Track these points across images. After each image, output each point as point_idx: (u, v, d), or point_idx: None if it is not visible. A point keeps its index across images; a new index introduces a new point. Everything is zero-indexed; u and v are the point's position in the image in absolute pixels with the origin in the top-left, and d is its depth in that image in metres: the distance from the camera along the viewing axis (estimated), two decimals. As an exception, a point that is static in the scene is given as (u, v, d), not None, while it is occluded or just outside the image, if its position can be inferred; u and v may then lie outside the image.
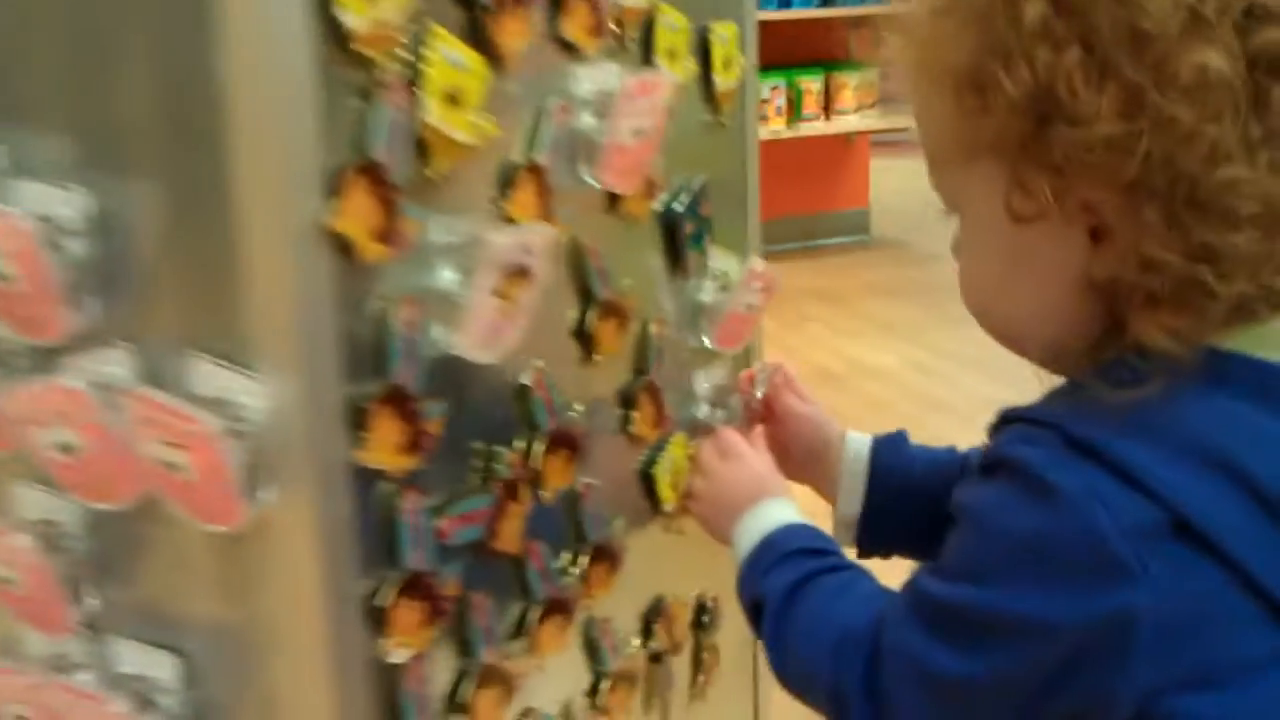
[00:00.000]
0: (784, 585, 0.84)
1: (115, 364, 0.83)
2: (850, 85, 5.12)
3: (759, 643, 1.45)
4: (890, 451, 1.03)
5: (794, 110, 5.08)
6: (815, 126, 5.10)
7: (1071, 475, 0.64)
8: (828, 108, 5.14)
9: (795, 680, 0.83)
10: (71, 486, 0.85)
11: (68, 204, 0.82)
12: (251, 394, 0.79)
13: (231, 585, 0.87)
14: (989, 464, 0.70)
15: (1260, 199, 0.62)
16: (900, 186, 6.36)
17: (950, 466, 1.00)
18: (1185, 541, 0.63)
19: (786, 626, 0.83)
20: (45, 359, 0.86)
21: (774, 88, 5.01)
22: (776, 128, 5.03)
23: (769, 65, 5.01)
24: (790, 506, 0.94)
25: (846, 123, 5.17)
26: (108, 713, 0.86)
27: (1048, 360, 0.73)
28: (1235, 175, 0.62)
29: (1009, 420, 0.71)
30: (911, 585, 0.74)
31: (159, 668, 0.90)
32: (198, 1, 0.76)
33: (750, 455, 1.01)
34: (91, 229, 0.82)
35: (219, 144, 0.77)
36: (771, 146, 5.08)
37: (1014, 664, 0.67)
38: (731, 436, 1.03)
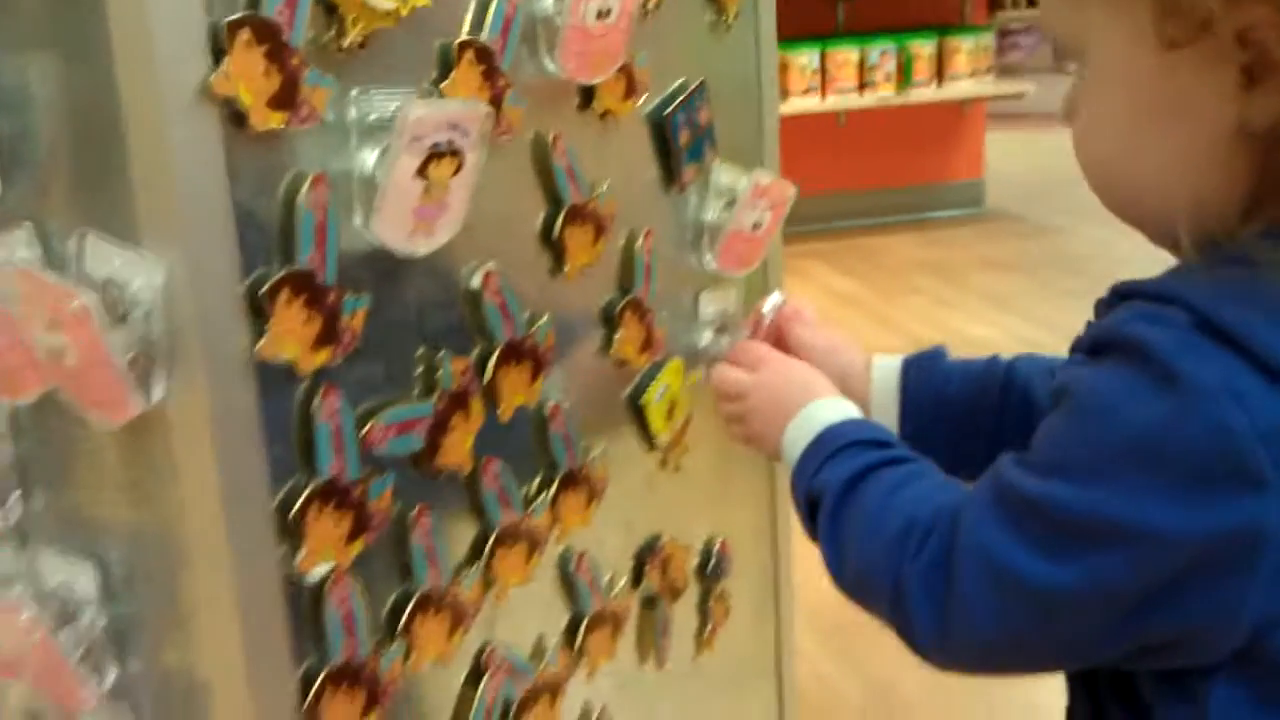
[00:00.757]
0: (841, 478, 0.75)
1: (21, 246, 0.78)
2: (964, 50, 4.93)
3: (781, 590, 1.37)
4: (922, 371, 0.93)
5: (904, 76, 4.90)
6: (926, 93, 4.92)
7: (1205, 364, 0.55)
8: (940, 73, 4.95)
9: (853, 583, 0.73)
10: (-32, 380, 0.80)
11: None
12: (141, 275, 0.73)
13: (138, 488, 0.81)
14: (1100, 343, 0.60)
15: None
16: (1017, 158, 6.14)
17: (990, 378, 0.90)
18: None
19: (843, 521, 0.73)
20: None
21: (883, 52, 4.85)
22: (885, 94, 4.87)
23: (878, 29, 4.86)
24: (843, 403, 0.85)
25: (960, 89, 4.97)
26: (19, 626, 0.81)
27: (1174, 237, 0.63)
28: None
29: (1126, 295, 0.62)
30: (995, 475, 0.65)
31: (81, 578, 0.85)
32: None
33: (783, 359, 0.93)
34: (-13, 104, 0.77)
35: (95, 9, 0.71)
36: (880, 114, 4.93)
37: (1113, 576, 0.58)
38: (756, 347, 0.96)
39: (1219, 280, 0.58)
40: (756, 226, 1.17)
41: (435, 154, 0.81)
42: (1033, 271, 4.60)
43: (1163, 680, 0.63)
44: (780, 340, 1.01)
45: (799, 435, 0.82)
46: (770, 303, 1.04)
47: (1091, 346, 0.62)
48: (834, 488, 0.75)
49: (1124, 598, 0.59)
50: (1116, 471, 0.58)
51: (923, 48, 4.90)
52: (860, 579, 0.72)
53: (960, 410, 0.90)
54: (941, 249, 4.94)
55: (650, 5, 1.04)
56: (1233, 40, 0.56)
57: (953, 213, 5.32)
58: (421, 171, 0.81)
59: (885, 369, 0.94)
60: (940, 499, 0.68)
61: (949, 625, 0.64)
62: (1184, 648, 0.60)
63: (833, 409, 0.83)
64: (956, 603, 0.64)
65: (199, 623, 0.81)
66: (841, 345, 0.98)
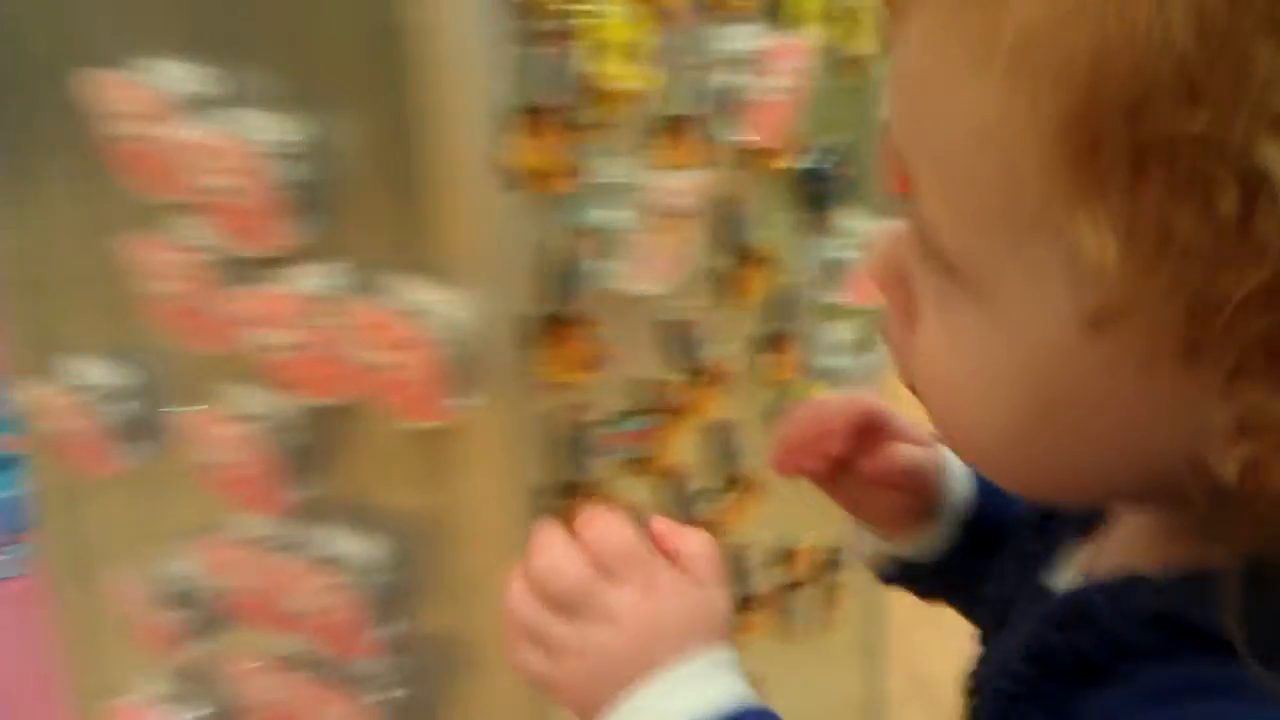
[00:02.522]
0: None
1: (326, 276, 0.95)
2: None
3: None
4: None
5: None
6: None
7: None
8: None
9: None
10: (288, 384, 0.97)
11: (283, 130, 0.94)
12: (450, 308, 0.90)
13: (429, 478, 0.98)
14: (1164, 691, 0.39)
15: None
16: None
17: None
18: None
19: None
20: (259, 270, 0.98)
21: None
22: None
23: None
24: (729, 668, 0.52)
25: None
26: (316, 587, 0.98)
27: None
28: None
29: (1164, 622, 0.40)
30: None
31: (360, 550, 1.02)
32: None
33: (674, 582, 0.52)
34: (304, 153, 0.94)
35: (416, 86, 0.88)
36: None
37: None
38: (607, 527, 0.52)
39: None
40: (885, 265, 1.35)
41: (675, 214, 0.99)
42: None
43: None
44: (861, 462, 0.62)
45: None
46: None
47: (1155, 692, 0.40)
48: None
49: None
50: None
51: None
52: None
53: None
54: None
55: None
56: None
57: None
58: (663, 228, 0.99)
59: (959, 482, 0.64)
60: None
61: None
62: None
63: (714, 683, 0.51)
64: None
65: (470, 592, 0.98)
66: (925, 463, 0.62)
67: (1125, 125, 0.34)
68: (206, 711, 1.19)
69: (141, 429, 1.13)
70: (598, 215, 0.98)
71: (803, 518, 1.36)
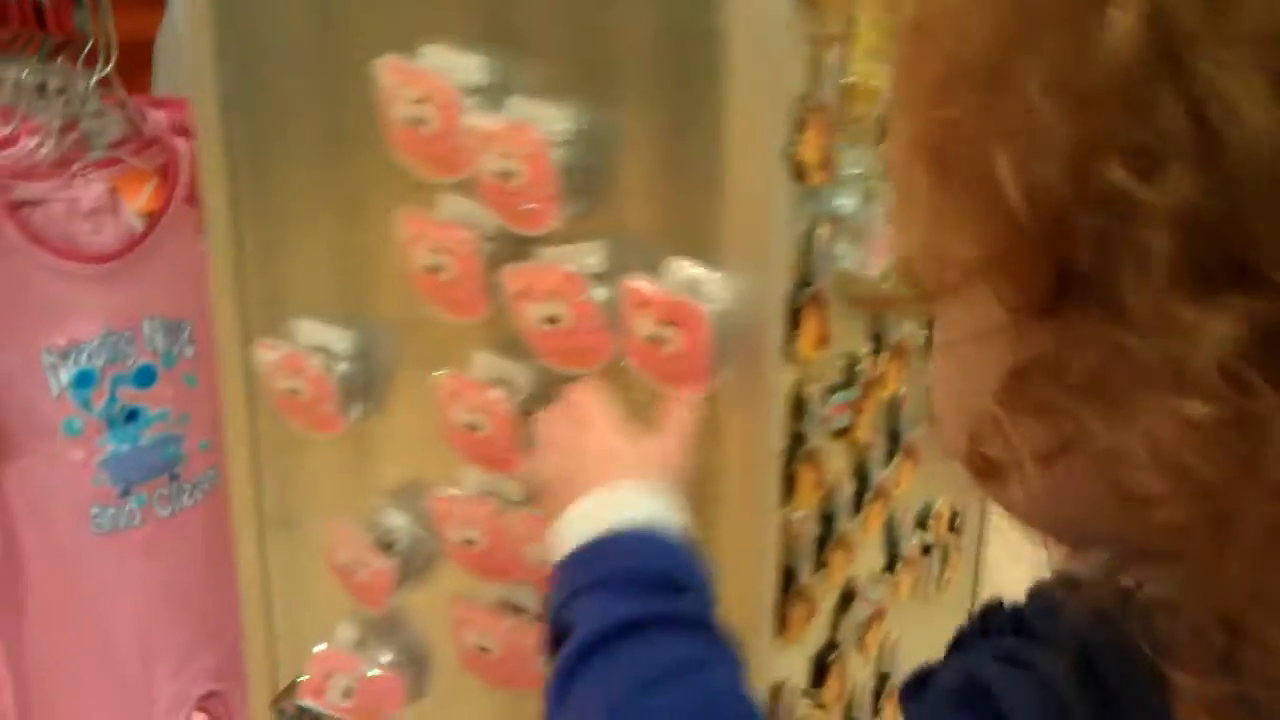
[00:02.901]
0: (595, 628, 0.62)
1: (593, 255, 1.01)
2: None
3: (982, 546, 1.65)
4: None
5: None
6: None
7: None
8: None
9: None
10: (547, 353, 1.03)
11: (561, 119, 1.00)
12: (715, 288, 0.97)
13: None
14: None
15: None
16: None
17: None
18: None
19: (577, 693, 0.60)
20: (522, 247, 1.04)
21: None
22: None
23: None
24: (647, 495, 0.72)
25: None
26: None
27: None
28: None
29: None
30: None
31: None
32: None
33: (601, 421, 0.80)
34: (581, 141, 1.00)
35: (713, 81, 0.94)
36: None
37: None
38: (582, 395, 0.83)
39: None
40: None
41: (908, 203, 1.06)
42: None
43: None
44: None
45: (575, 523, 0.69)
46: None
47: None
48: (583, 638, 0.62)
49: None
50: None
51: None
52: None
53: None
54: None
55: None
56: None
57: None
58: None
59: None
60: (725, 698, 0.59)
61: None
62: None
63: (634, 501, 0.70)
64: None
65: (716, 547, 1.05)
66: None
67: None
68: (404, 657, 1.26)
69: (366, 390, 1.18)
70: (842, 204, 1.05)
71: (938, 482, 1.45)
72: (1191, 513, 0.37)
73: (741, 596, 1.05)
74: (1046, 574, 0.49)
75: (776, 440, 1.03)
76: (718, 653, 0.65)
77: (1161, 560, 0.39)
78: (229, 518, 1.63)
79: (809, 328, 1.02)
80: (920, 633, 1.49)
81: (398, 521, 1.21)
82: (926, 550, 1.43)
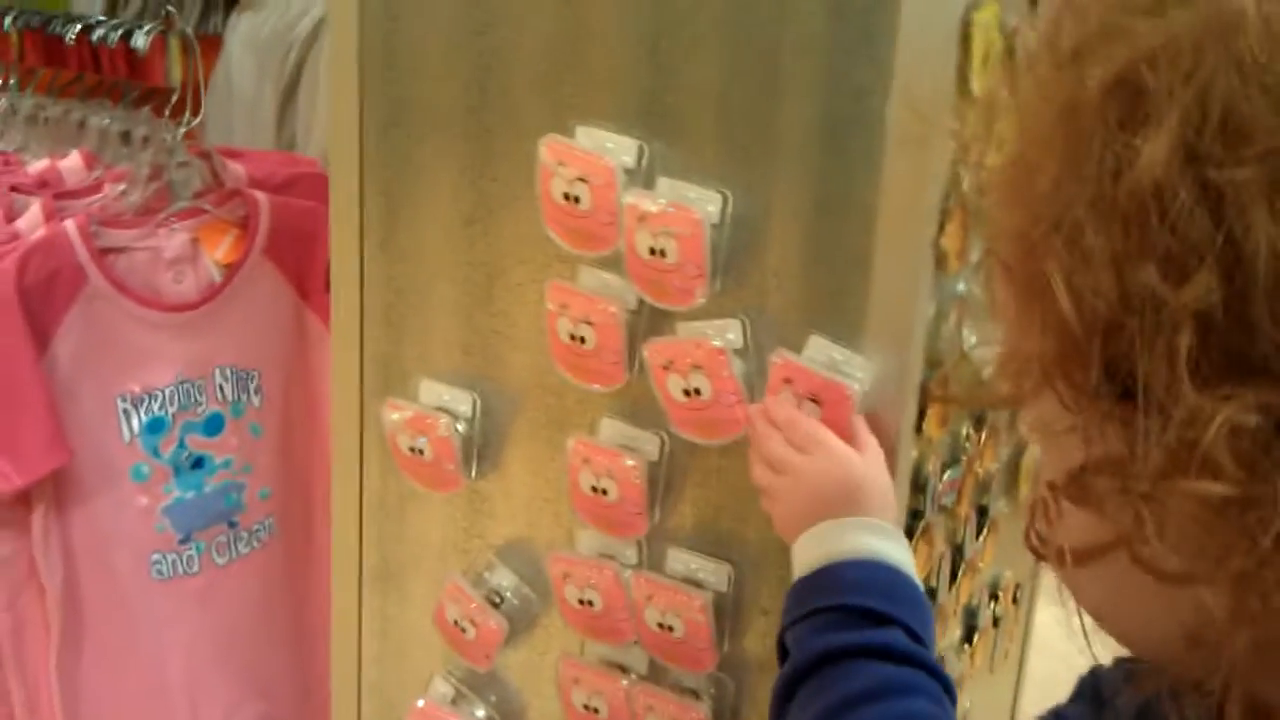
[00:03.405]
0: (813, 650, 0.71)
1: (733, 332, 1.06)
2: None
3: (1030, 619, 1.70)
4: None
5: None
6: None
7: None
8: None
9: None
10: (683, 424, 1.08)
11: (710, 202, 1.05)
12: (855, 369, 1.02)
13: (794, 514, 1.09)
14: None
15: None
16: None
17: None
18: None
19: (799, 702, 0.70)
20: (661, 321, 1.09)
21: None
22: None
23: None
24: (872, 532, 0.80)
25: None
26: (692, 604, 1.09)
27: None
28: None
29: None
30: None
31: (709, 573, 1.12)
32: (870, 40, 0.96)
33: (836, 450, 0.87)
34: (732, 222, 1.05)
35: (869, 167, 0.99)
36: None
37: None
38: (811, 424, 0.90)
39: None
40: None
41: (1031, 293, 1.12)
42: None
43: None
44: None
45: (805, 554, 0.78)
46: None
47: None
48: (801, 659, 0.70)
49: None
50: None
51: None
52: None
53: None
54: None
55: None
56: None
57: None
58: (1015, 303, 1.11)
59: None
60: None
61: None
62: None
63: (852, 538, 0.77)
64: None
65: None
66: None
67: None
68: (500, 712, 1.28)
69: (484, 451, 1.22)
70: (967, 288, 1.11)
71: (1006, 558, 1.51)
72: (1208, 590, 0.42)
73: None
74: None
75: (901, 514, 1.07)
76: (918, 681, 0.69)
77: (1192, 646, 0.44)
78: (287, 567, 1.66)
79: (936, 408, 1.07)
80: (983, 703, 1.54)
81: (506, 580, 1.24)
82: (996, 623, 1.48)
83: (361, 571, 1.35)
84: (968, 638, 1.38)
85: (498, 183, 1.15)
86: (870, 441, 0.91)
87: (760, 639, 1.13)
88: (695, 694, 1.15)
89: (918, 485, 1.10)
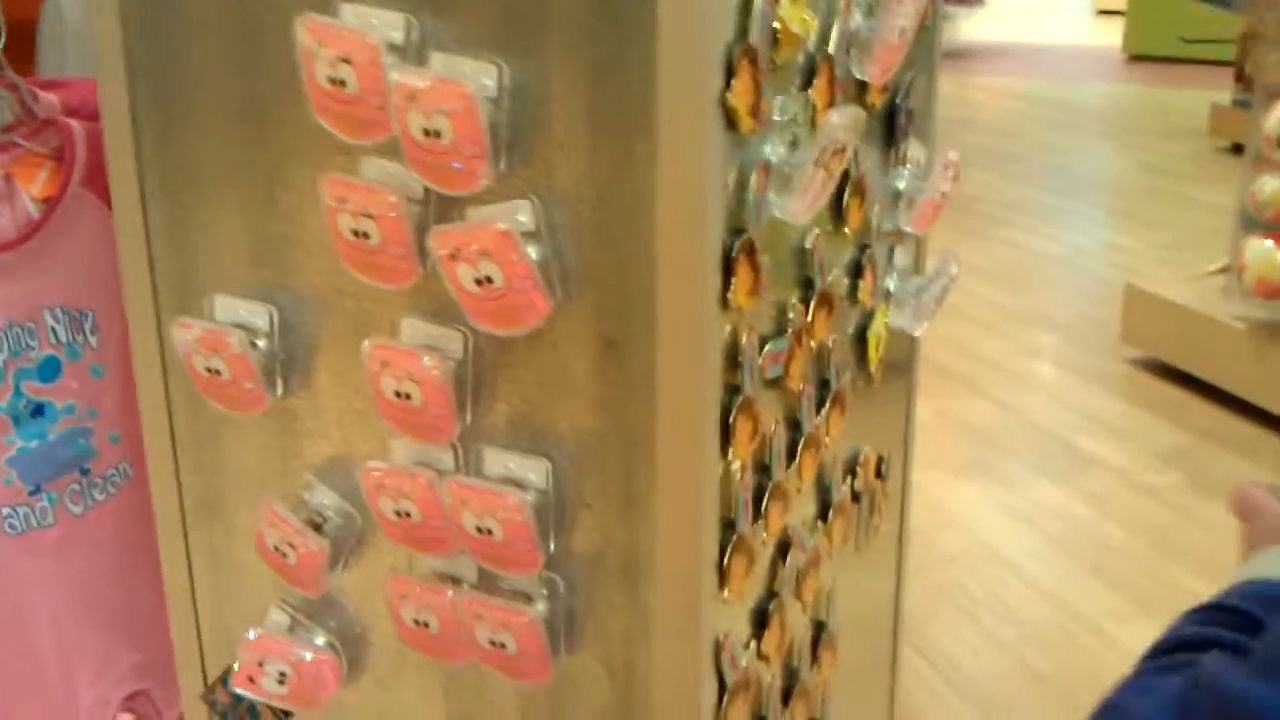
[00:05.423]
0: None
1: (524, 213, 1.00)
2: None
3: (906, 491, 1.67)
4: None
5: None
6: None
7: None
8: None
9: None
10: (478, 315, 1.01)
11: (487, 74, 0.98)
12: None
13: (606, 400, 1.04)
14: None
15: None
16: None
17: None
18: None
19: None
20: (449, 208, 1.02)
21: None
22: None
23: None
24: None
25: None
26: (505, 504, 1.03)
27: None
28: None
29: None
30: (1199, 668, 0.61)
31: (528, 470, 1.07)
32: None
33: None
34: (508, 96, 0.98)
35: (644, 29, 0.93)
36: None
37: None
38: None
39: None
40: (943, 194, 1.45)
41: (836, 150, 1.06)
42: (929, 211, 5.00)
43: None
44: None
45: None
46: None
47: None
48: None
49: None
50: None
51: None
52: None
53: None
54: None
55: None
56: None
57: (848, 152, 5.67)
58: (821, 163, 1.06)
59: None
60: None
61: None
62: None
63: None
64: None
65: (654, 503, 1.05)
66: None
67: None
68: (340, 638, 1.23)
69: (288, 366, 1.15)
70: (773, 151, 1.05)
71: (865, 431, 1.47)
72: None
73: (684, 551, 1.05)
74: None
75: (714, 391, 1.02)
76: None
77: None
78: (144, 511, 1.58)
79: (742, 276, 1.02)
80: (852, 580, 1.51)
81: (327, 499, 1.18)
82: (856, 498, 1.44)
83: (183, 505, 1.28)
84: (822, 515, 1.34)
85: (266, 73, 1.06)
86: None
87: (587, 534, 1.09)
88: (527, 597, 1.10)
89: (733, 358, 1.05)
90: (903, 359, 1.56)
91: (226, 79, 1.10)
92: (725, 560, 1.08)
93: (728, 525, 1.09)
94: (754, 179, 1.02)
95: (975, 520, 2.90)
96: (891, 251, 1.44)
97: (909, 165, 1.42)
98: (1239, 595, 0.69)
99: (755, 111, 0.99)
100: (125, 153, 1.17)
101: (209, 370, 1.14)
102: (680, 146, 0.95)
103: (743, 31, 0.97)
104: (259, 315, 1.14)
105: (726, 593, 1.09)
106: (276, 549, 1.18)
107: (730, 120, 0.97)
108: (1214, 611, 0.68)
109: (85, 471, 1.54)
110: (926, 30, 1.42)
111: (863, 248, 1.34)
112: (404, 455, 1.12)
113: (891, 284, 1.45)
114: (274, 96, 1.07)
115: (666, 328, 0.99)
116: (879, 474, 1.52)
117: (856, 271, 1.33)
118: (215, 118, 1.11)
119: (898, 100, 1.34)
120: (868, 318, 1.38)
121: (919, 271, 1.52)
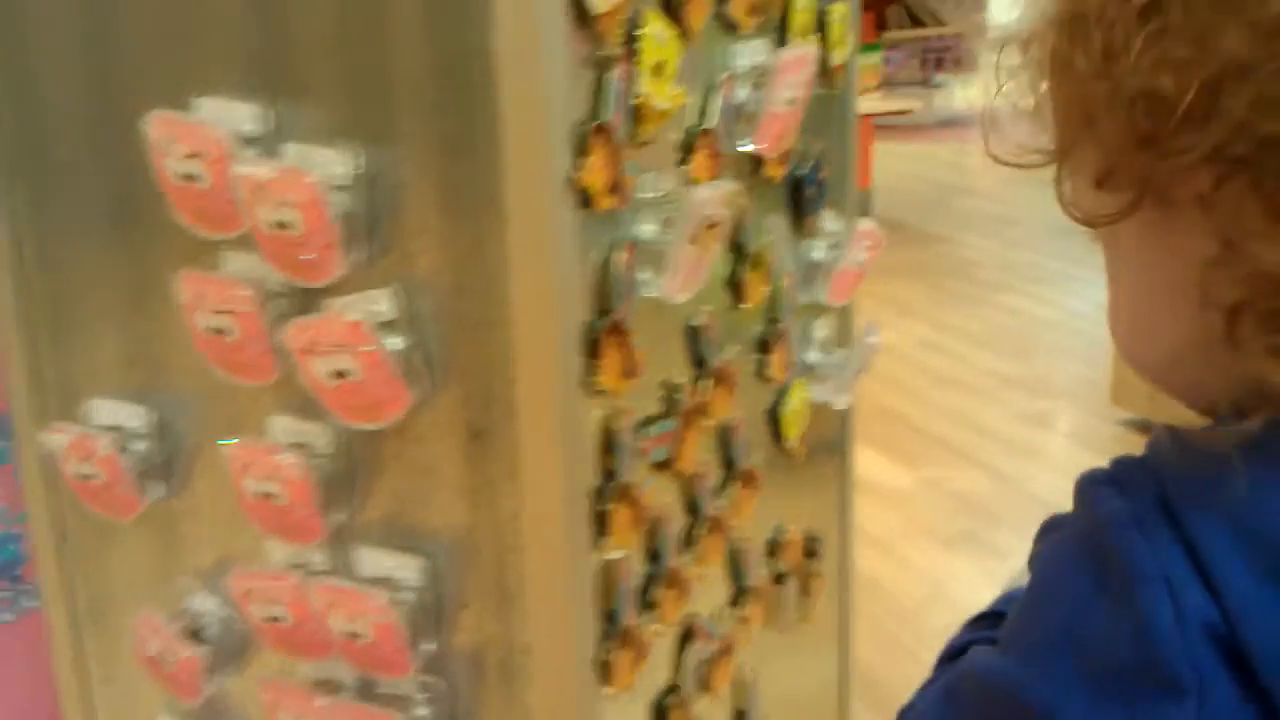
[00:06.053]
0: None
1: (384, 302, 0.97)
2: (853, 71, 5.27)
3: (849, 575, 1.61)
4: None
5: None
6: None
7: (1148, 549, 0.52)
8: (830, 93, 5.28)
9: None
10: (339, 409, 0.98)
11: (337, 162, 0.95)
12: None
13: (476, 492, 1.00)
14: (1075, 494, 0.59)
15: None
16: (901, 169, 6.55)
17: None
18: (1236, 655, 0.51)
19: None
20: (310, 299, 0.99)
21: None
22: (781, 113, 5.17)
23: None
24: None
25: (849, 107, 5.31)
26: (372, 605, 0.99)
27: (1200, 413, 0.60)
28: None
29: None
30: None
31: (402, 569, 1.03)
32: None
33: None
34: (360, 183, 0.95)
35: (489, 108, 0.90)
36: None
37: None
38: None
39: (1200, 458, 0.54)
40: (859, 264, 1.41)
41: (709, 225, 1.03)
42: (922, 277, 4.96)
43: None
44: None
45: None
46: None
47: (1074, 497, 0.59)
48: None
49: None
50: (1049, 656, 0.56)
51: (816, 68, 5.21)
52: None
53: None
54: (835, 257, 5.26)
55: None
56: (1193, 205, 0.52)
57: (841, 222, 5.66)
58: (696, 238, 1.03)
59: None
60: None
61: None
62: None
63: None
64: None
65: (527, 598, 1.00)
66: None
67: None
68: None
69: (166, 468, 1.12)
70: (640, 229, 1.02)
71: (788, 510, 1.42)
72: None
73: (559, 647, 1.00)
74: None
75: (585, 478, 0.98)
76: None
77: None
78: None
79: (610, 358, 0.98)
80: (786, 666, 1.46)
81: (207, 605, 1.14)
82: (779, 579, 1.39)
83: (75, 612, 1.25)
84: (735, 600, 1.29)
85: (128, 170, 1.04)
86: None
87: (466, 634, 1.04)
88: (406, 702, 1.06)
89: (608, 443, 1.01)
90: (833, 434, 1.52)
91: (93, 175, 1.08)
92: (608, 654, 1.03)
93: (610, 618, 1.04)
94: (620, 258, 0.99)
95: (965, 593, 2.83)
96: (810, 325, 1.40)
97: (824, 237, 1.39)
98: (1000, 601, 0.73)
99: (616, 189, 0.96)
100: (4, 253, 1.16)
101: (81, 475, 1.11)
102: (529, 227, 0.92)
103: (596, 108, 0.95)
104: (135, 417, 1.12)
105: (610, 689, 1.04)
106: (156, 657, 1.14)
107: (585, 199, 0.94)
108: (984, 619, 0.72)
109: (15, 579, 1.51)
110: (837, 99, 1.39)
111: (771, 322, 1.30)
112: (279, 558, 1.08)
113: (813, 357, 1.41)
114: (137, 193, 1.05)
115: (528, 415, 0.96)
116: (809, 553, 1.47)
117: (764, 347, 1.29)
118: (84, 214, 1.09)
119: (801, 172, 1.31)
120: (782, 394, 1.34)
121: (846, 344, 1.48)
